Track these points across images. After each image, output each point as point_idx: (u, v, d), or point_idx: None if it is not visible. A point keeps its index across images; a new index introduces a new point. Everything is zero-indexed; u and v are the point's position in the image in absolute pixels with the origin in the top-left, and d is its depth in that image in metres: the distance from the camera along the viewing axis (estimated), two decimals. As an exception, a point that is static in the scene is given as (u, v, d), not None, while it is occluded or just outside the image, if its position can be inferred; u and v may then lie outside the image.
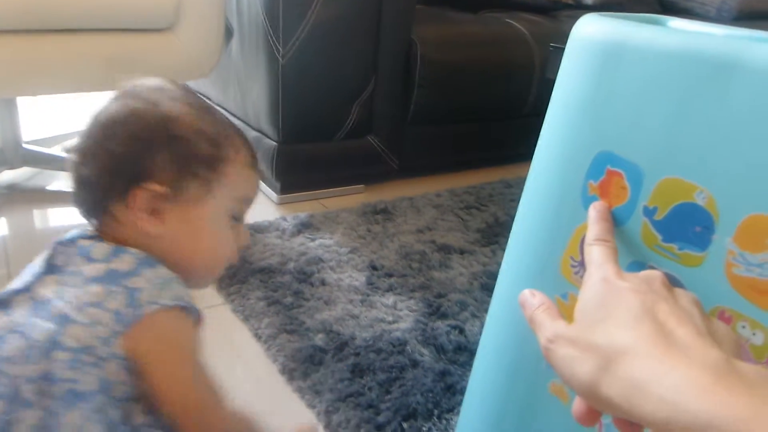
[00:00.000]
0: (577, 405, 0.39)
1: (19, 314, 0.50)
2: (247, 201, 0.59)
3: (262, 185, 1.58)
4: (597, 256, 0.41)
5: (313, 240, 1.30)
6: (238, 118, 1.62)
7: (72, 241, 0.53)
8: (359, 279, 1.17)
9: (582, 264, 0.49)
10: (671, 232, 0.41)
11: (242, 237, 0.59)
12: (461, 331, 1.02)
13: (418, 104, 1.59)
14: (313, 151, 1.52)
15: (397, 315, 1.06)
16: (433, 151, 1.73)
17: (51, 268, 0.52)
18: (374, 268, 1.21)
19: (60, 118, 2.16)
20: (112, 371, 0.48)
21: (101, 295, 0.49)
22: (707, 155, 0.39)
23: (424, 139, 1.68)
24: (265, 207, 1.51)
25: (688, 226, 0.40)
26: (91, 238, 0.54)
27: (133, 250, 0.52)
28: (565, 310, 0.51)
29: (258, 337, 0.99)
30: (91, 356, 0.48)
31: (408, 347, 0.97)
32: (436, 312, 1.08)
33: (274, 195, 1.54)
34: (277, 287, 1.11)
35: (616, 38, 0.45)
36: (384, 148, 1.61)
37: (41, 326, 0.48)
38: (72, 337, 0.47)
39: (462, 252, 1.30)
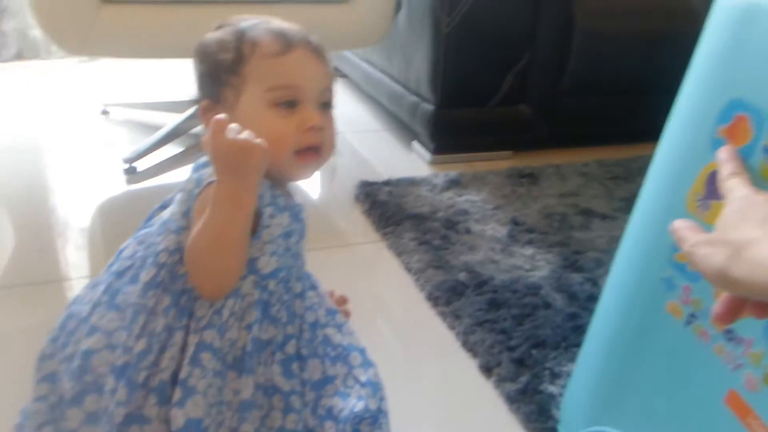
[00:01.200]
0: (716, 307, 0.46)
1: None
2: (289, 86, 0.60)
3: (416, 146, 1.73)
4: (736, 183, 0.48)
5: (460, 195, 1.43)
6: (401, 84, 1.77)
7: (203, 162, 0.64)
8: (501, 231, 1.27)
9: (706, 199, 0.56)
10: (786, 167, 0.48)
11: (306, 120, 0.60)
12: (595, 283, 1.09)
13: (572, 75, 1.64)
14: (467, 116, 1.63)
15: (534, 264, 1.16)
16: (584, 122, 1.76)
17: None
18: (516, 223, 1.31)
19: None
20: (184, 238, 0.60)
21: (186, 182, 0.62)
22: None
23: (576, 109, 1.72)
24: (417, 165, 1.66)
25: (800, 160, 0.46)
26: None
27: None
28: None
29: (409, 269, 1.15)
30: (174, 224, 0.61)
31: (542, 291, 1.07)
32: (572, 266, 1.15)
33: (427, 155, 1.68)
34: (427, 231, 1.25)
35: (752, 2, 0.51)
36: (535, 117, 1.68)
37: (162, 215, 0.65)
38: (169, 213, 0.63)
39: (604, 217, 1.35)
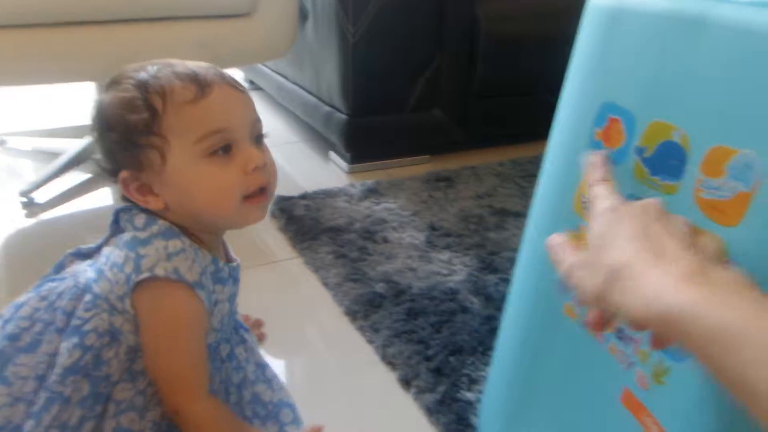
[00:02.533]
0: (589, 316, 0.47)
1: (84, 265, 0.63)
2: (218, 131, 0.56)
3: (333, 155, 1.72)
4: (602, 191, 0.49)
5: (378, 204, 1.42)
6: (313, 94, 1.75)
7: (129, 210, 0.60)
8: (419, 238, 1.27)
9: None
10: (656, 167, 0.49)
11: (248, 161, 0.57)
12: (510, 283, 1.11)
13: (482, 78, 1.66)
14: (382, 124, 1.63)
15: (451, 269, 1.16)
16: (497, 123, 1.79)
17: (114, 231, 0.62)
18: (433, 228, 1.31)
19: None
20: (119, 322, 0.57)
21: (122, 259, 0.57)
22: (683, 99, 0.46)
23: (488, 111, 1.75)
24: (336, 175, 1.64)
25: (667, 160, 0.47)
26: (141, 209, 0.60)
27: (161, 221, 0.58)
28: (577, 240, 0.59)
29: (326, 285, 1.12)
30: (107, 304, 0.57)
31: (459, 296, 1.07)
32: (488, 267, 1.16)
33: (344, 165, 1.66)
34: (343, 243, 1.23)
35: (616, 3, 0.52)
36: (448, 120, 1.69)
37: (87, 275, 0.60)
38: (99, 287, 0.58)
39: (518, 215, 1.38)
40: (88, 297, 0.58)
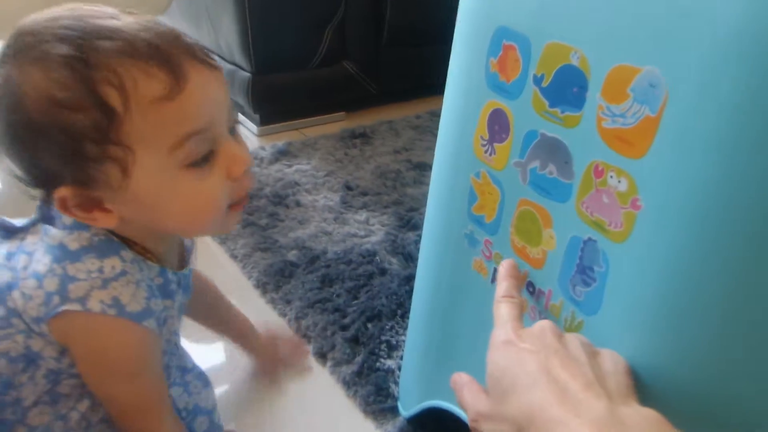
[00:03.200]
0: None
1: (2, 252, 0.50)
2: (200, 132, 0.43)
3: (241, 118, 1.60)
4: (503, 313, 0.44)
5: (290, 166, 1.33)
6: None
7: None
8: (334, 199, 1.20)
9: (490, 142, 0.50)
10: (555, 97, 0.43)
11: (234, 165, 0.46)
12: (429, 239, 1.05)
13: (391, 25, 1.57)
14: (289, 80, 1.52)
15: (369, 229, 1.10)
16: (412, 73, 1.72)
17: (42, 215, 0.49)
18: (349, 188, 1.23)
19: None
20: (38, 345, 0.48)
21: (44, 270, 0.46)
22: (578, 16, 0.40)
23: (401, 61, 1.67)
24: (245, 139, 1.53)
25: (567, 88, 0.41)
26: None
27: (96, 227, 0.47)
28: (479, 188, 0.53)
29: (234, 257, 1.04)
30: (22, 323, 0.47)
31: (377, 257, 1.01)
32: (407, 225, 1.11)
33: (254, 127, 1.55)
34: (252, 211, 1.14)
35: None
36: (360, 73, 1.60)
37: (2, 277, 0.48)
38: (13, 300, 0.47)
39: (437, 168, 1.32)
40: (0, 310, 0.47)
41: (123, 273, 0.46)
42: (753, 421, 0.38)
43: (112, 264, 0.46)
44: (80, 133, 0.41)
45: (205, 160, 0.45)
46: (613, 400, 0.35)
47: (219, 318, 0.76)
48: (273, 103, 1.52)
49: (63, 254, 0.46)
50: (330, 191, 1.22)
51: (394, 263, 1.00)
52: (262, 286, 0.95)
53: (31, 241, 0.49)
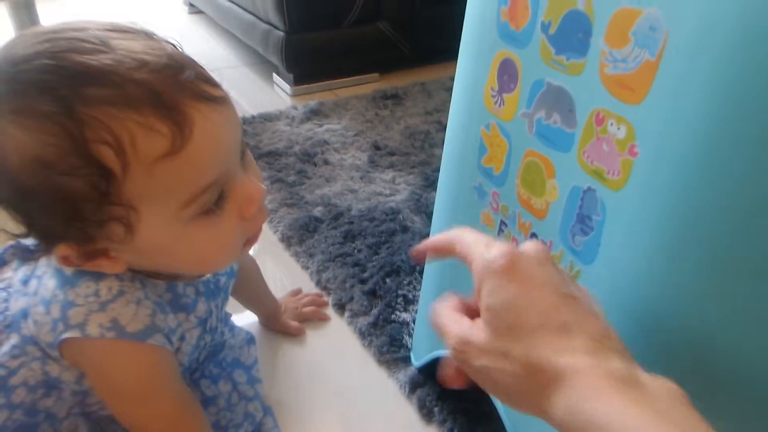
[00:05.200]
0: (445, 370, 0.39)
1: (19, 277, 0.50)
2: (213, 184, 0.40)
3: (276, 78, 1.61)
4: (474, 237, 0.38)
5: (320, 126, 1.34)
6: (250, 12, 1.62)
7: None
8: (361, 158, 1.20)
9: (499, 93, 0.50)
10: (561, 44, 0.42)
11: (247, 203, 0.42)
12: (454, 199, 1.06)
13: (428, -15, 1.55)
14: (322, 39, 1.52)
15: (394, 188, 1.10)
16: (446, 35, 1.69)
17: None
18: (377, 147, 1.24)
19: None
20: (55, 371, 0.48)
21: (49, 296, 0.45)
22: (586, -43, 0.39)
23: (436, 22, 1.64)
24: (280, 99, 1.55)
25: (572, 34, 0.41)
26: None
27: None
28: (489, 140, 0.53)
29: (262, 211, 1.06)
30: (38, 350, 0.47)
31: (401, 215, 1.02)
32: (432, 185, 1.11)
33: (287, 87, 1.57)
34: (281, 168, 1.16)
35: None
36: (395, 34, 1.59)
37: (18, 303, 0.48)
38: (27, 328, 0.47)
39: (467, 130, 1.31)
40: (14, 339, 0.47)
41: (121, 293, 0.44)
42: (746, 373, 0.38)
43: (109, 285, 0.44)
44: (76, 196, 0.37)
45: (216, 205, 0.41)
46: (625, 358, 0.32)
47: (250, 295, 0.77)
48: (307, 62, 1.52)
49: (63, 280, 0.45)
50: (358, 150, 1.23)
51: (416, 221, 1.01)
52: (287, 240, 0.98)
53: (42, 263, 0.48)
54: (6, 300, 0.49)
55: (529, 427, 0.55)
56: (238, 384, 0.65)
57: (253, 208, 0.43)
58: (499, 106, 0.51)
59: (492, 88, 0.51)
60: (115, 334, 0.44)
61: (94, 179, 0.36)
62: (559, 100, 0.43)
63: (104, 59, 0.36)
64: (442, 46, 1.71)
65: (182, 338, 0.50)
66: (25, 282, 0.49)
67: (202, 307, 0.52)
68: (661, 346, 0.39)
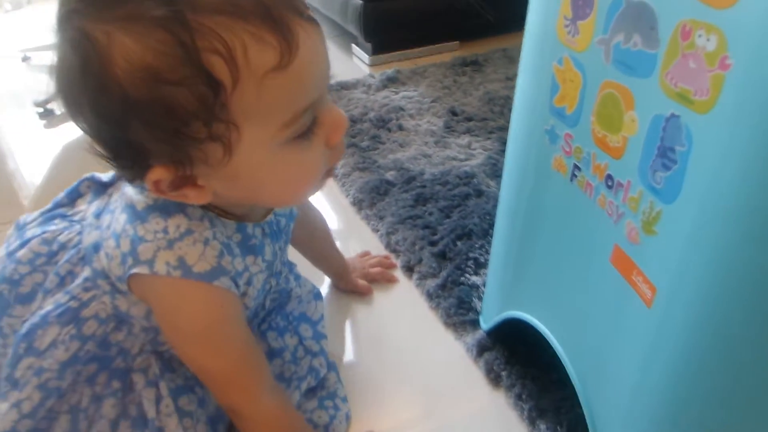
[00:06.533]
0: None
1: (92, 210, 0.50)
2: (310, 105, 0.39)
3: (355, 49, 1.60)
4: None
5: (396, 93, 1.31)
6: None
7: None
8: (437, 124, 1.17)
9: (573, 20, 0.46)
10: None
11: (333, 131, 0.42)
12: (532, 164, 1.00)
13: (512, -55, 1.48)
14: (401, 7, 1.49)
15: (469, 153, 1.06)
16: (533, -1, 1.61)
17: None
18: (454, 113, 1.20)
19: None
20: (124, 305, 0.48)
21: (120, 230, 0.45)
22: None
23: (522, -15, 1.57)
24: (358, 69, 1.54)
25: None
26: None
27: None
28: (561, 75, 0.48)
29: (334, 176, 1.06)
30: (107, 284, 0.47)
31: (475, 179, 0.98)
32: (510, 149, 1.06)
33: (366, 57, 1.55)
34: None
35: None
36: (478, 0, 1.53)
37: (92, 236, 0.48)
38: (98, 261, 0.47)
39: (550, 95, 1.24)
40: (86, 271, 0.48)
41: (189, 232, 0.44)
42: None
43: (177, 223, 0.44)
44: (182, 110, 0.35)
45: (309, 130, 0.40)
46: None
47: (318, 253, 0.76)
48: (385, 31, 1.50)
49: (134, 214, 0.44)
50: (434, 116, 1.20)
51: (492, 186, 0.96)
52: (358, 203, 0.96)
53: (115, 197, 0.49)
54: (80, 233, 0.50)
55: (602, 395, 0.50)
56: (304, 338, 0.65)
57: (340, 134, 0.42)
58: (573, 35, 0.46)
59: (565, 17, 0.46)
60: (181, 273, 0.43)
61: (203, 91, 0.34)
62: (640, 18, 0.38)
63: None
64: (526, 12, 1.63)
65: (249, 282, 0.49)
66: (98, 215, 0.49)
67: (268, 249, 0.51)
68: (751, 292, 0.34)
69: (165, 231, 0.43)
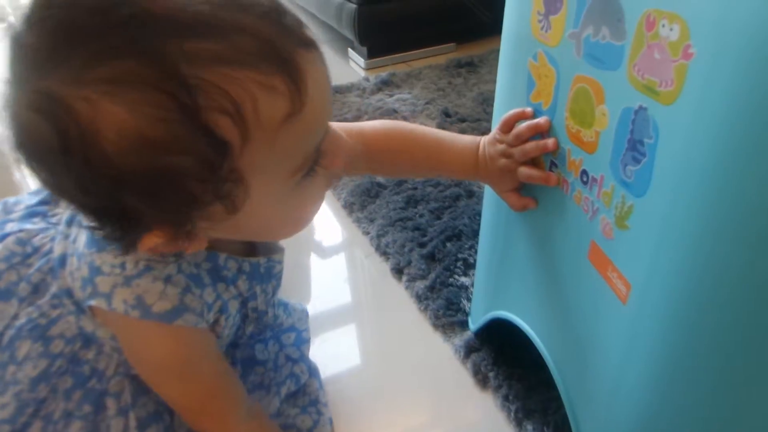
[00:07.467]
0: None
1: (68, 214, 0.48)
2: (317, 146, 0.36)
3: (351, 53, 1.60)
4: None
5: (391, 95, 1.31)
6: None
7: None
8: (430, 125, 1.16)
9: (546, 16, 0.45)
10: (608, -57, 0.37)
11: (335, 158, 0.39)
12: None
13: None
14: (395, 9, 1.49)
15: (462, 154, 1.06)
16: None
17: None
18: (447, 114, 1.20)
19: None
20: (89, 326, 0.45)
21: (81, 251, 0.42)
22: None
23: (516, -14, 1.56)
24: (354, 73, 1.54)
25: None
26: None
27: None
28: (536, 71, 0.48)
29: (327, 179, 1.05)
30: (72, 303, 0.45)
31: (466, 180, 0.97)
32: (502, 149, 1.05)
33: (362, 60, 1.55)
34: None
35: None
36: (473, 1, 1.53)
37: (61, 245, 0.45)
38: (62, 278, 0.44)
39: (544, 95, 1.23)
40: (54, 286, 0.45)
41: (147, 269, 0.39)
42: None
43: (136, 259, 0.39)
44: (185, 178, 0.31)
45: (314, 163, 0.36)
46: None
47: (425, 165, 0.58)
48: (380, 34, 1.50)
49: (91, 239, 0.41)
50: (428, 118, 1.19)
51: (482, 187, 0.96)
52: (349, 206, 0.96)
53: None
54: (53, 239, 0.48)
55: (584, 395, 0.50)
56: (285, 346, 0.64)
57: (342, 161, 0.39)
58: (546, 31, 0.45)
59: (539, 12, 0.46)
60: (139, 313, 0.39)
61: (209, 155, 0.30)
62: (607, 10, 0.38)
63: (196, 3, 0.29)
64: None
65: (222, 310, 0.45)
66: (69, 223, 0.47)
67: (242, 285, 0.47)
68: (723, 286, 0.33)
69: (122, 266, 0.39)
